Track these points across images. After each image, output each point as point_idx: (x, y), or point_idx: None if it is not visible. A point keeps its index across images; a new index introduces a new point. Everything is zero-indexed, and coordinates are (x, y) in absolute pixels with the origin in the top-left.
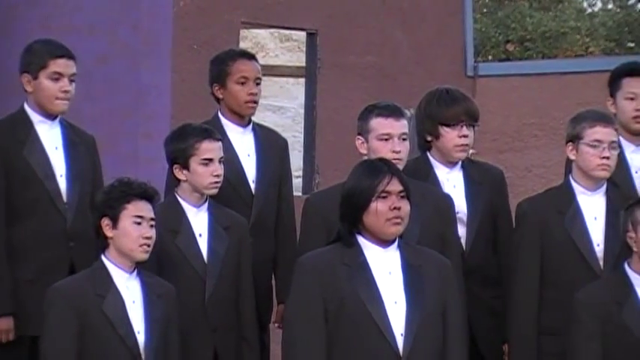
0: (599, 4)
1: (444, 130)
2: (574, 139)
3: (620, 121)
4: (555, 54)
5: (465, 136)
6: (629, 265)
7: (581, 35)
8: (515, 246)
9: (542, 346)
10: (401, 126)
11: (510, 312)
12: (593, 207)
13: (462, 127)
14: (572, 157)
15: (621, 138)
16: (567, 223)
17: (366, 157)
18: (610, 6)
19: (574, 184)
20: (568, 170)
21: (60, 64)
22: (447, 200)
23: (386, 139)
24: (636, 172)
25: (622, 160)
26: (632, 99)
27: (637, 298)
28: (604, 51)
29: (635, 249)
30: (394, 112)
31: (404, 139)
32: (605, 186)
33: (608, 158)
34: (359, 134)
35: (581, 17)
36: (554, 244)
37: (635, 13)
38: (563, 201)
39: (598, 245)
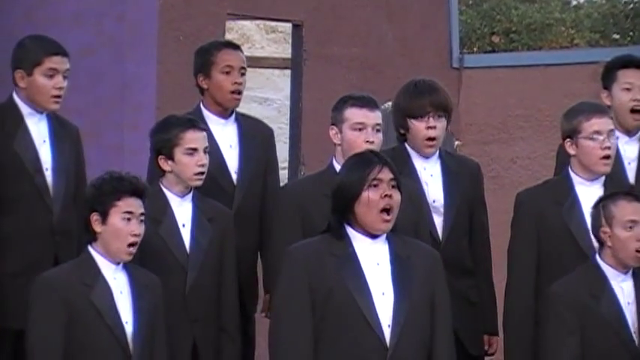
0: None
1: (412, 123)
2: (572, 134)
3: (616, 114)
4: (540, 46)
5: (433, 128)
6: (601, 258)
7: (566, 27)
8: (512, 236)
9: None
10: (375, 117)
11: (507, 301)
12: (591, 198)
13: (428, 118)
14: (572, 153)
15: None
16: (565, 213)
17: (339, 148)
18: None
19: (573, 176)
20: (561, 163)
21: (55, 61)
22: (418, 191)
23: (360, 129)
24: (629, 164)
25: (615, 151)
26: (628, 89)
27: (612, 291)
28: (589, 43)
29: (609, 244)
30: (368, 103)
31: (377, 130)
32: (603, 176)
33: (609, 148)
34: (332, 124)
35: (566, 9)
36: (552, 234)
37: (621, 5)
38: (562, 192)
39: None
